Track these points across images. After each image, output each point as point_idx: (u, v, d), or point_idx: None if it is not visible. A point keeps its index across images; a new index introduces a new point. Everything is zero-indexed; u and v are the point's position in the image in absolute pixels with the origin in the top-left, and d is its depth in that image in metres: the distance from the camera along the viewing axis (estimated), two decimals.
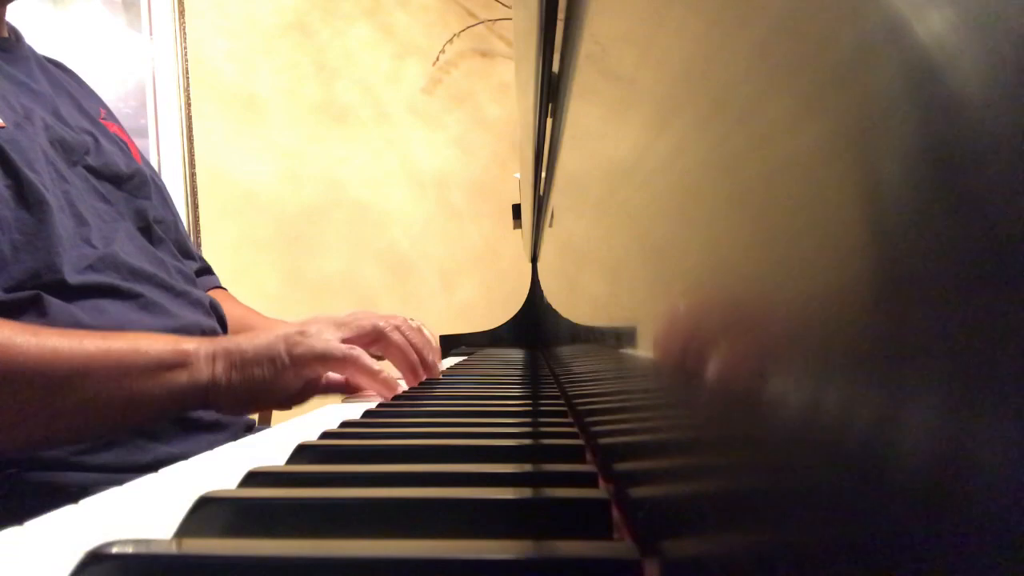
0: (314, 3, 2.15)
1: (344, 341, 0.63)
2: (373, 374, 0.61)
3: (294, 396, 0.61)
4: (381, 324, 0.67)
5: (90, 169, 0.70)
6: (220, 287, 0.96)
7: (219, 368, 0.57)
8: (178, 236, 0.84)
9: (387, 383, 0.62)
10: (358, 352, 0.61)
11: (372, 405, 0.55)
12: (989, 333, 0.06)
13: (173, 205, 0.86)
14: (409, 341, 0.70)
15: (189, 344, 0.57)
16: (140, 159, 0.81)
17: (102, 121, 0.79)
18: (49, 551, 0.22)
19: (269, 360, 0.59)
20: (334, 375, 0.68)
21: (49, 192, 0.61)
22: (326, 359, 0.60)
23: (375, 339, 0.67)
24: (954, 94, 0.07)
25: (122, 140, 0.79)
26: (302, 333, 0.61)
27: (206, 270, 0.94)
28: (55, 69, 0.79)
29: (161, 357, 0.55)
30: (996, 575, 0.06)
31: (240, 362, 0.58)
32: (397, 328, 0.69)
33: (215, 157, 1.99)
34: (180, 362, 0.56)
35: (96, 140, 0.72)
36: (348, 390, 0.69)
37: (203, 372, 0.57)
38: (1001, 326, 0.06)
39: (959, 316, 0.07)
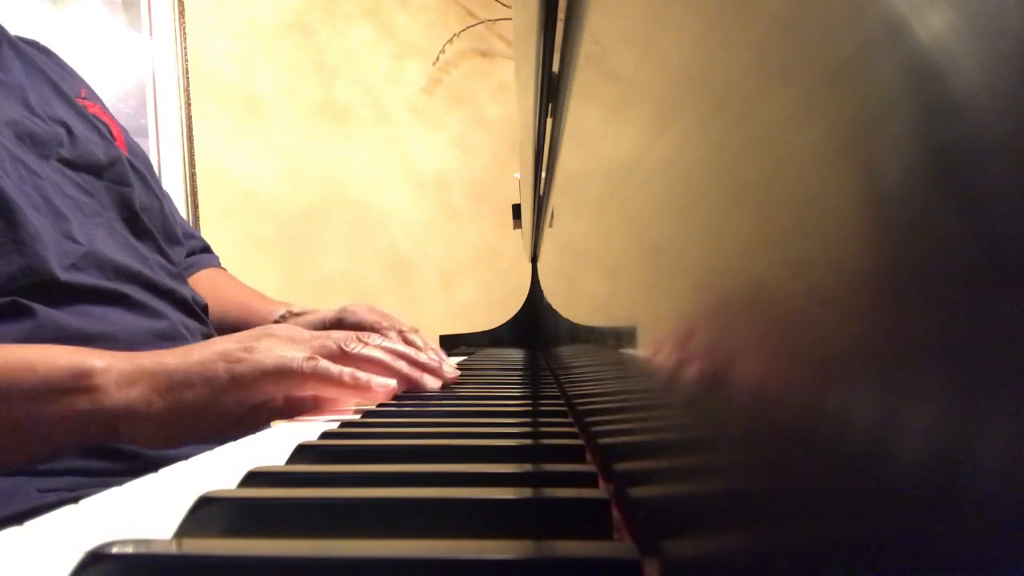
0: (314, 3, 2.15)
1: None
2: (340, 382, 0.50)
3: (235, 423, 0.50)
4: (336, 346, 0.53)
5: (65, 161, 0.66)
6: (219, 267, 0.94)
7: (135, 393, 0.47)
8: (165, 222, 0.79)
9: (359, 386, 0.51)
10: (316, 363, 0.50)
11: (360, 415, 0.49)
12: (990, 333, 0.06)
13: (158, 187, 0.81)
14: (381, 354, 0.55)
15: (98, 361, 0.47)
16: (124, 141, 0.78)
17: (82, 102, 0.75)
18: (49, 551, 0.22)
19: (203, 381, 0.48)
20: (296, 394, 0.55)
21: (17, 192, 0.58)
22: (279, 376, 0.49)
23: (334, 359, 0.53)
24: (954, 94, 0.07)
25: (103, 122, 0.76)
26: (247, 349, 0.50)
27: (204, 248, 0.92)
28: (31, 50, 0.75)
29: (51, 378, 0.46)
30: (996, 575, 0.06)
31: (166, 385, 0.48)
32: (366, 345, 0.55)
33: (215, 157, 1.99)
34: (79, 385, 0.46)
35: (70, 130, 0.68)
36: (317, 408, 0.55)
37: (111, 397, 0.47)
38: (1001, 326, 0.06)
39: (959, 316, 0.07)
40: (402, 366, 0.56)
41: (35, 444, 0.47)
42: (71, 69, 0.82)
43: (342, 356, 0.53)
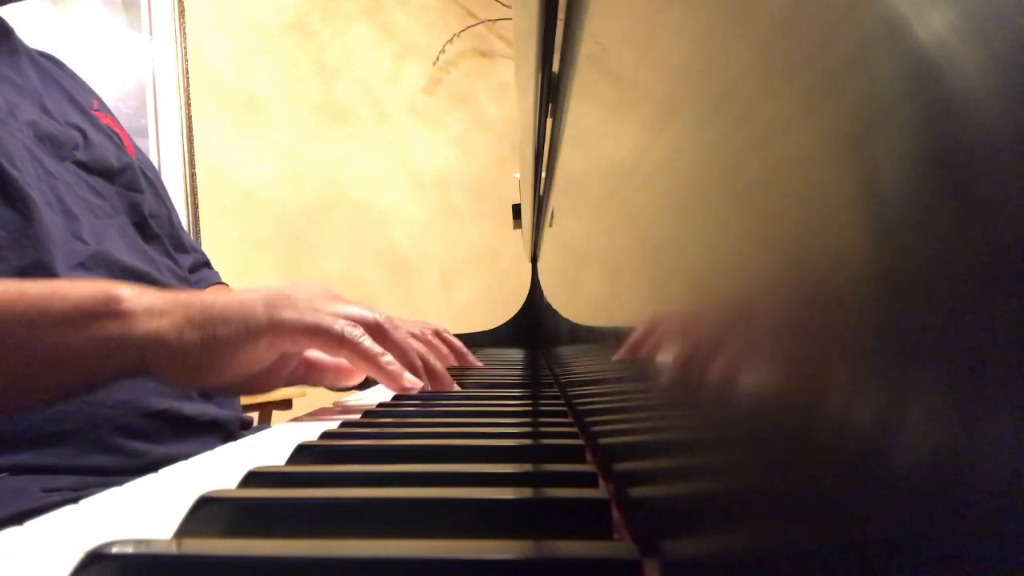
0: (314, 3, 2.15)
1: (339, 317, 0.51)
2: (375, 362, 0.50)
3: (262, 372, 0.50)
4: (382, 319, 0.53)
5: (80, 164, 0.68)
6: (220, 283, 0.95)
7: (166, 322, 0.46)
8: (172, 231, 0.81)
9: (390, 374, 0.51)
10: (360, 331, 0.50)
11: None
12: (990, 333, 0.06)
13: (168, 199, 0.84)
14: (412, 345, 0.56)
15: (126, 290, 0.47)
16: (134, 152, 0.79)
17: (95, 113, 0.77)
18: (49, 551, 0.22)
19: (241, 319, 0.47)
20: (321, 357, 0.56)
21: (34, 189, 0.59)
22: (315, 333, 0.48)
23: (373, 333, 0.53)
24: (954, 94, 0.07)
25: (115, 132, 0.78)
26: (288, 297, 0.49)
27: (206, 264, 0.93)
28: (46, 62, 0.77)
29: (82, 302, 0.45)
30: (996, 575, 0.06)
31: (200, 318, 0.47)
32: (397, 328, 0.55)
33: (215, 157, 1.99)
34: (108, 310, 0.46)
35: (85, 135, 0.70)
36: (333, 380, 0.57)
37: (141, 324, 0.46)
38: (1002, 326, 0.06)
39: (960, 316, 0.07)
40: (416, 366, 0.56)
41: (67, 372, 0.46)
42: (83, 82, 0.83)
43: (378, 333, 0.52)
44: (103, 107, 0.82)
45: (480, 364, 0.78)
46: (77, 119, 0.72)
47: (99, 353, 0.46)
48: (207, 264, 0.94)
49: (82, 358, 0.46)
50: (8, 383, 0.45)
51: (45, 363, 0.45)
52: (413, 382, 0.52)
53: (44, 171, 0.63)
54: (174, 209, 0.86)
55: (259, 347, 0.48)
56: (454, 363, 0.69)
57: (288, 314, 0.48)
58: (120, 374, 0.48)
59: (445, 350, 0.75)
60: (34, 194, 0.59)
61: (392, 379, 0.52)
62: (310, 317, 0.49)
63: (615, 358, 0.29)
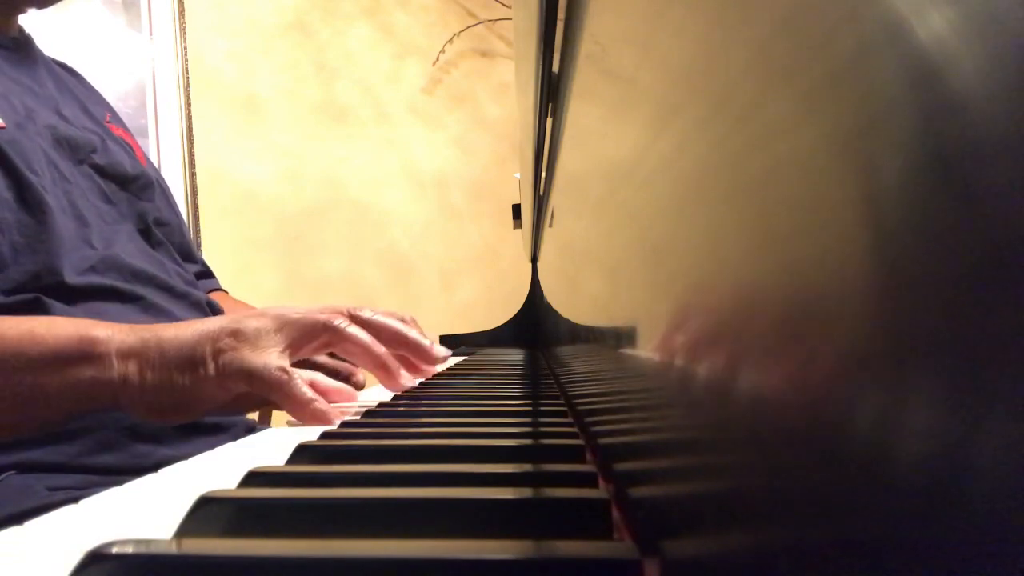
0: (314, 3, 2.15)
1: (289, 347, 0.51)
2: (302, 404, 0.49)
3: (226, 406, 0.52)
4: (326, 319, 0.53)
5: (96, 168, 0.69)
6: (220, 289, 0.95)
7: (132, 366, 0.48)
8: (182, 240, 0.83)
9: (316, 414, 0.49)
10: (289, 378, 0.50)
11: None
12: (990, 333, 0.06)
13: (178, 209, 0.85)
14: (375, 326, 0.56)
15: (101, 331, 0.48)
16: (145, 163, 0.81)
17: (108, 124, 0.78)
18: (49, 551, 0.22)
19: (190, 365, 0.49)
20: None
21: (49, 194, 0.60)
22: (253, 379, 0.49)
23: (327, 341, 0.53)
24: (954, 94, 0.07)
25: (127, 144, 0.79)
26: (235, 334, 0.50)
27: (206, 273, 0.94)
28: (63, 72, 0.78)
29: (57, 348, 0.47)
30: (996, 575, 0.06)
31: (157, 361, 0.48)
32: (352, 317, 0.55)
33: (215, 157, 1.99)
34: (84, 354, 0.47)
35: (103, 139, 0.72)
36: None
37: (113, 368, 0.48)
38: (1002, 326, 0.06)
39: (959, 316, 0.07)
40: (380, 355, 0.55)
41: (43, 411, 0.48)
42: (98, 94, 0.85)
43: (328, 336, 0.53)
44: (116, 119, 0.83)
45: (444, 357, 0.67)
46: (92, 126, 0.74)
47: (75, 393, 0.47)
48: (208, 274, 0.94)
49: (58, 398, 0.47)
50: None
51: (21, 403, 0.47)
52: (332, 411, 0.50)
53: (60, 176, 0.64)
54: (184, 220, 0.87)
55: (210, 390, 0.49)
56: (419, 364, 0.63)
57: (230, 359, 0.49)
58: (97, 410, 0.50)
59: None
60: (50, 199, 0.60)
61: (314, 419, 0.50)
62: (248, 364, 0.49)
63: (615, 358, 0.29)
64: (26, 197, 0.58)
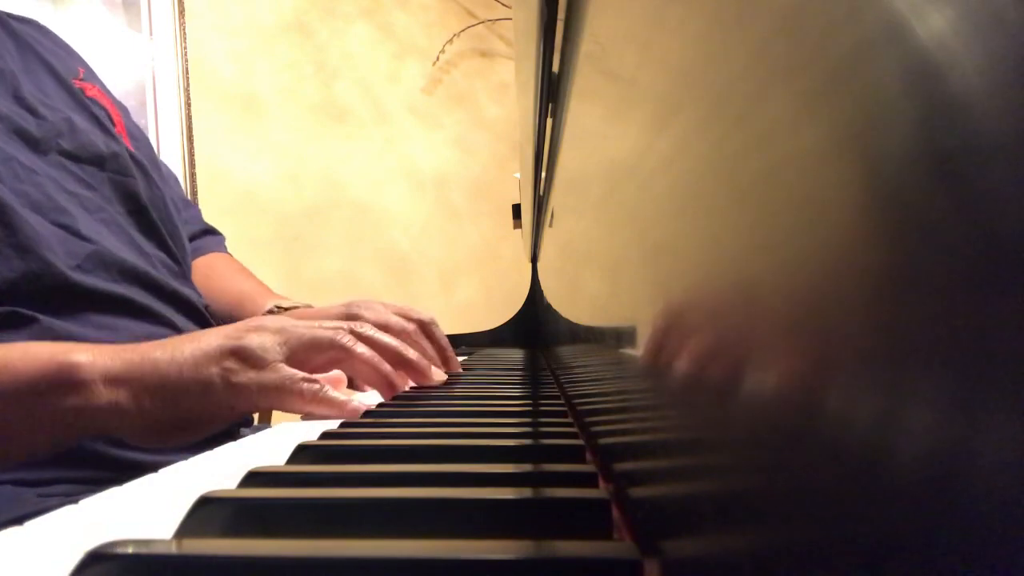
0: (314, 3, 2.15)
1: (290, 360, 0.49)
2: (340, 408, 0.48)
3: (227, 423, 0.50)
4: (332, 336, 0.52)
5: (65, 154, 0.65)
6: (219, 251, 0.90)
7: (123, 394, 0.45)
8: (167, 213, 0.76)
9: (356, 412, 0.48)
10: (319, 386, 0.49)
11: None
12: (990, 333, 0.06)
13: (158, 174, 0.77)
14: (379, 345, 0.55)
15: (82, 356, 0.45)
16: (124, 126, 0.76)
17: (80, 83, 0.73)
18: (49, 551, 0.22)
19: (200, 389, 0.46)
20: None
21: (8, 193, 0.56)
22: (267, 392, 0.47)
23: (335, 358, 0.52)
24: (954, 94, 0.07)
25: (102, 107, 0.74)
26: (239, 353, 0.48)
27: (207, 231, 0.88)
28: (27, 29, 0.73)
29: (33, 378, 0.44)
30: (996, 575, 0.06)
31: (156, 385, 0.46)
32: (354, 333, 0.53)
33: (215, 157, 1.99)
34: (63, 382, 0.44)
35: (70, 121, 0.66)
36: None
37: (99, 395, 0.45)
38: (1002, 326, 0.06)
39: (959, 315, 0.07)
40: (386, 373, 0.54)
41: (27, 441, 0.46)
42: (69, 48, 0.79)
43: (335, 353, 0.52)
44: (90, 74, 0.77)
45: (459, 368, 0.70)
46: (60, 102, 0.69)
47: (60, 422, 0.45)
48: (208, 231, 0.90)
49: (41, 428, 0.45)
50: None
51: (11, 436, 0.45)
52: (355, 410, 0.49)
53: (23, 169, 0.60)
54: (169, 181, 0.81)
55: (220, 412, 0.48)
56: (437, 362, 0.64)
57: (244, 379, 0.47)
58: (86, 438, 0.48)
59: (427, 345, 0.69)
60: (9, 199, 0.56)
61: (340, 411, 0.49)
62: (265, 380, 0.47)
63: (615, 358, 0.29)
64: None
